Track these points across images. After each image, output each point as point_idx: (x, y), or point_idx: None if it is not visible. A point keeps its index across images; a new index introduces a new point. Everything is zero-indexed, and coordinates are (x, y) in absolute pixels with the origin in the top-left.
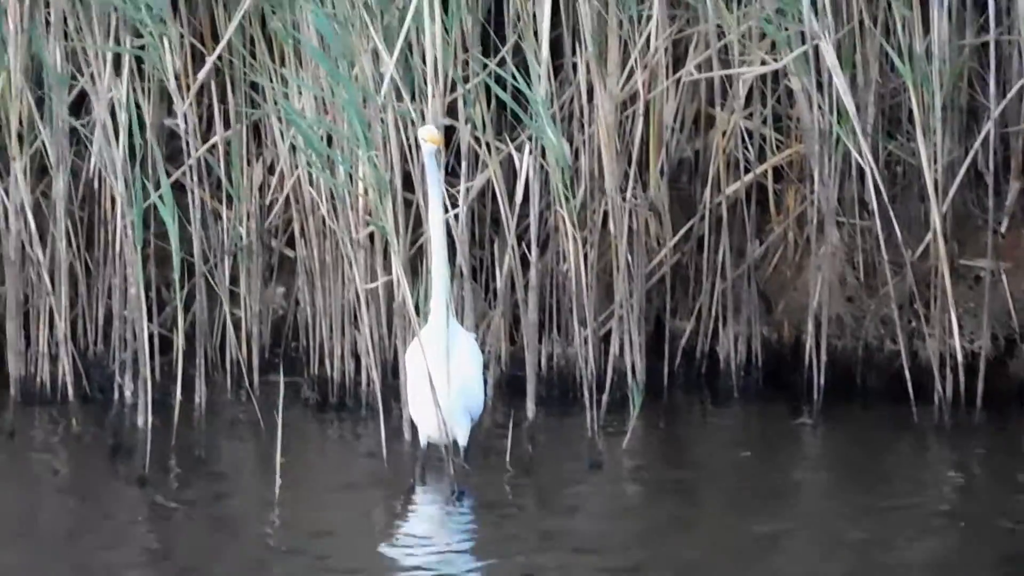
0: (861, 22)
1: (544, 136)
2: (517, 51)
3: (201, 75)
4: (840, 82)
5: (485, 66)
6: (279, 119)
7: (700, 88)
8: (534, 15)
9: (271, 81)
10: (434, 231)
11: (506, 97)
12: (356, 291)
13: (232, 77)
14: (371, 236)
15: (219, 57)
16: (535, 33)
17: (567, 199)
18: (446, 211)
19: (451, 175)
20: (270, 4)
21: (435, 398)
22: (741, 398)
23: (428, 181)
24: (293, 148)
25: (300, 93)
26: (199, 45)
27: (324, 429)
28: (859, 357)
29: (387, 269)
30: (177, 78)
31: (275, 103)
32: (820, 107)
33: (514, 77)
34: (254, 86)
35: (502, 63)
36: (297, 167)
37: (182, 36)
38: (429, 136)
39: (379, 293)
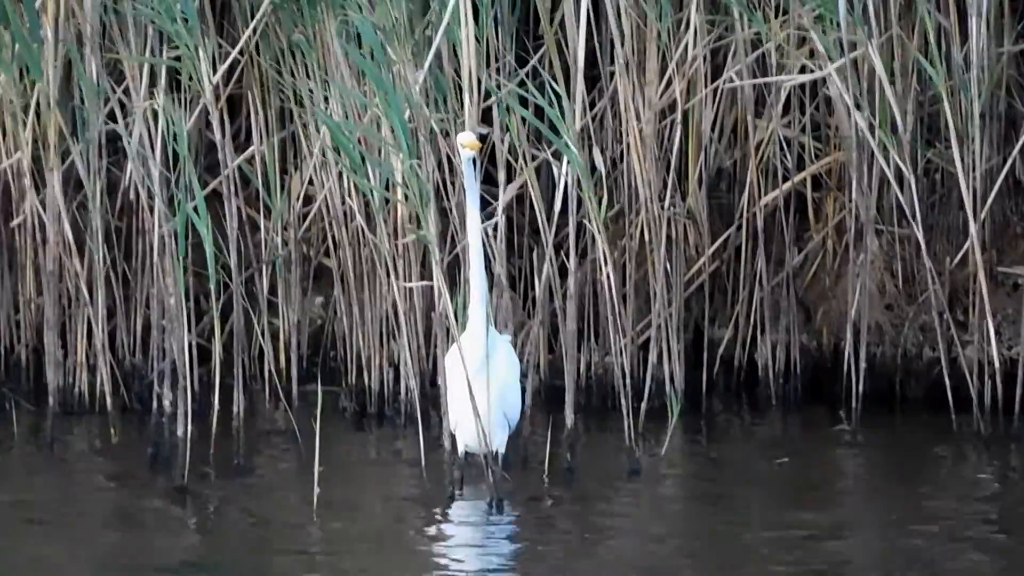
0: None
1: (568, 153)
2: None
3: (230, 86)
4: (885, 89)
5: (517, 76)
6: (316, 128)
7: (739, 96)
8: (564, 26)
9: (308, 91)
10: (472, 238)
11: (528, 115)
12: (394, 300)
13: (266, 87)
14: (406, 245)
15: (254, 68)
16: (567, 46)
17: (597, 213)
18: (484, 220)
19: (488, 183)
20: (291, 19)
21: (474, 406)
22: (780, 406)
23: (466, 188)
24: (325, 155)
25: (328, 104)
26: (237, 55)
27: (363, 439)
28: (898, 365)
29: (424, 278)
30: (216, 88)
31: (310, 113)
32: (859, 113)
33: (542, 90)
34: (291, 97)
35: (535, 73)
36: (333, 176)
37: (220, 46)
38: (467, 142)
39: (416, 303)
